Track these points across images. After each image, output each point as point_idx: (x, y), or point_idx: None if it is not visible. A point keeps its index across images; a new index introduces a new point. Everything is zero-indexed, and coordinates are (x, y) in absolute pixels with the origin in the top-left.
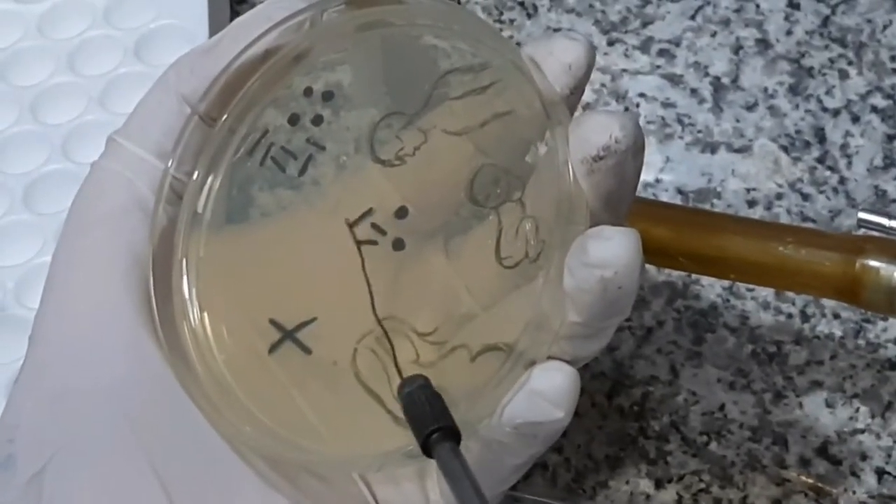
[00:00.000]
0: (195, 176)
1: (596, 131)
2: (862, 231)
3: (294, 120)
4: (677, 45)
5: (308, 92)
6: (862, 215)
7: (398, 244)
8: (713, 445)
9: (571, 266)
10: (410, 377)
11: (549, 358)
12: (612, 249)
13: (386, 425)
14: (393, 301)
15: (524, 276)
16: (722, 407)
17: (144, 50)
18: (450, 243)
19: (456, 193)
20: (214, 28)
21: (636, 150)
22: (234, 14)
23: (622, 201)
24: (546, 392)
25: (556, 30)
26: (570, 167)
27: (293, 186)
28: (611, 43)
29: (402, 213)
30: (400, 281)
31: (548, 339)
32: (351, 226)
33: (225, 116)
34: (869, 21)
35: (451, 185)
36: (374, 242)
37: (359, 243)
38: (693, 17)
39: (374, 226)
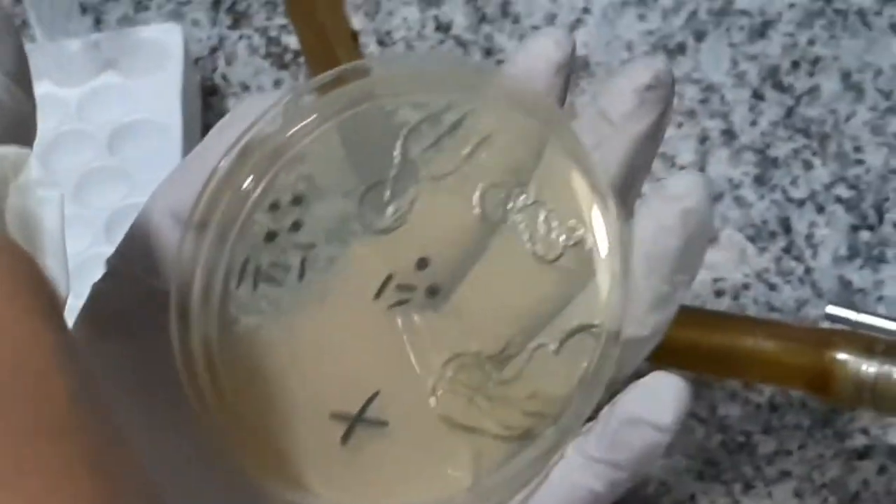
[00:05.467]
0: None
1: (648, 65)
2: (829, 325)
3: (272, 236)
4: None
5: (275, 206)
6: (829, 310)
7: (432, 291)
8: None
9: (650, 207)
10: None
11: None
12: (689, 180)
13: (498, 449)
14: (453, 341)
15: (573, 262)
16: (692, 497)
17: (117, 144)
18: (483, 266)
19: (469, 224)
20: (188, 121)
21: (674, 89)
22: (206, 105)
23: (656, 144)
24: (662, 390)
25: None
26: (581, 146)
27: (298, 292)
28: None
29: (422, 264)
30: (450, 320)
31: (625, 307)
32: (377, 296)
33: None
34: (832, 112)
35: (459, 219)
36: (405, 301)
37: (391, 306)
38: None
39: (399, 287)
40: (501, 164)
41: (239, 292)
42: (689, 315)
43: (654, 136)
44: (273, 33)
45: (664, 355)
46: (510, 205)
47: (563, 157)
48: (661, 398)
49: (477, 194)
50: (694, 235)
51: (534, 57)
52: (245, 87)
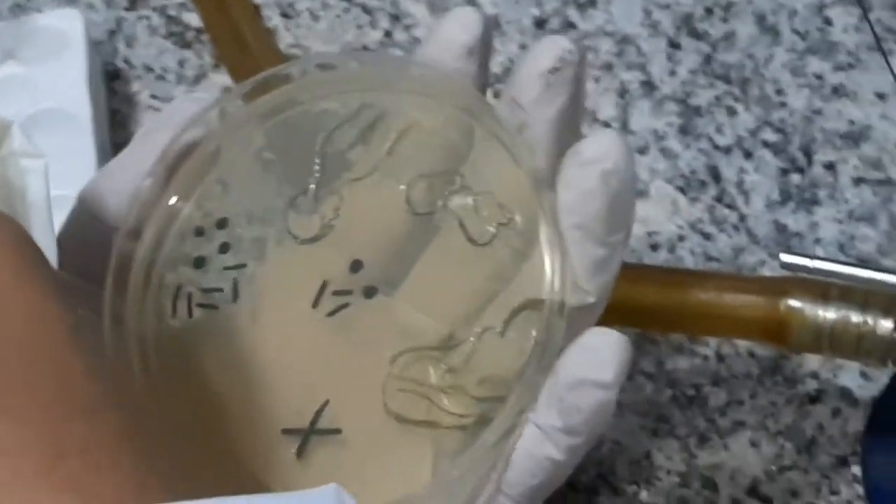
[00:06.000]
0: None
1: (549, 48)
2: (782, 273)
3: (200, 262)
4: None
5: (200, 232)
6: (784, 258)
7: (369, 292)
8: (643, 494)
9: (567, 176)
10: None
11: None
12: (604, 142)
13: (455, 439)
14: (397, 339)
15: (507, 242)
16: (648, 454)
17: (26, 135)
18: (421, 259)
19: (398, 219)
20: (96, 108)
21: (584, 65)
22: (110, 90)
23: (576, 118)
24: (597, 349)
25: None
26: (507, 126)
27: (235, 313)
28: (495, 95)
29: (356, 266)
30: (391, 318)
31: (564, 277)
32: (315, 305)
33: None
34: (750, 56)
35: (387, 217)
36: (344, 306)
37: (330, 314)
38: None
39: (336, 293)
40: (425, 156)
41: (174, 322)
42: (635, 271)
43: (571, 113)
44: (172, 12)
45: (612, 315)
46: (438, 194)
47: (487, 139)
48: (600, 356)
49: (402, 188)
50: (618, 194)
51: (442, 43)
52: (149, 70)
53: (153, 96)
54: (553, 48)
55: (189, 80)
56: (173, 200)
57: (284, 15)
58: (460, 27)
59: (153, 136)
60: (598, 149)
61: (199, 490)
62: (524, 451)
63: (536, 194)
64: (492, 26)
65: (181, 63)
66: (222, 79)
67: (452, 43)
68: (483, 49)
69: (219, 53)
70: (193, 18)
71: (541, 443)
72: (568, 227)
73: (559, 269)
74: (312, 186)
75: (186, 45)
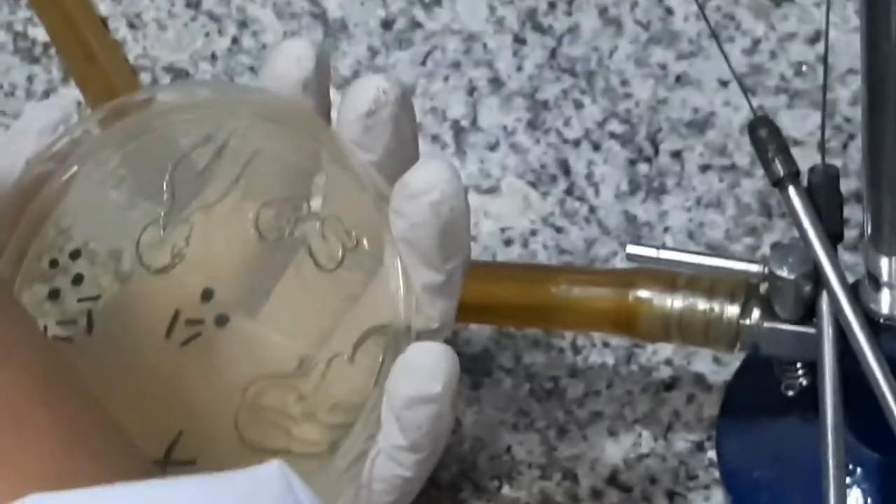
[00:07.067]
0: None
1: (364, 89)
2: (632, 264)
3: (55, 294)
4: (412, 93)
5: (54, 264)
6: (631, 249)
7: (221, 320)
8: (505, 489)
9: (398, 207)
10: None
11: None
12: (430, 172)
13: (308, 467)
14: (249, 366)
15: (353, 267)
16: (508, 449)
17: None
18: (274, 286)
19: (247, 248)
20: None
21: (405, 100)
22: None
23: (406, 151)
24: (422, 364)
25: None
26: (348, 151)
27: (89, 346)
28: None
29: (207, 295)
30: (243, 346)
31: (409, 301)
32: (168, 335)
33: None
34: (595, 49)
35: (237, 245)
36: (197, 335)
37: (184, 343)
38: (423, 63)
39: (188, 322)
40: (273, 182)
41: None
42: (488, 269)
43: (399, 147)
44: (19, 27)
45: (469, 312)
46: (287, 221)
47: (334, 166)
48: (425, 370)
49: (251, 216)
50: (449, 223)
51: (278, 79)
52: None
53: (1, 112)
54: (367, 90)
55: (38, 96)
56: (25, 230)
57: (131, 26)
58: (294, 62)
59: (11, 148)
60: (424, 180)
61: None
62: (376, 474)
63: (380, 218)
64: (327, 55)
65: (30, 78)
66: (72, 93)
67: (286, 79)
68: (319, 79)
69: (67, 67)
70: (40, 33)
71: (389, 464)
72: (405, 255)
73: (403, 293)
74: (162, 214)
75: (34, 60)
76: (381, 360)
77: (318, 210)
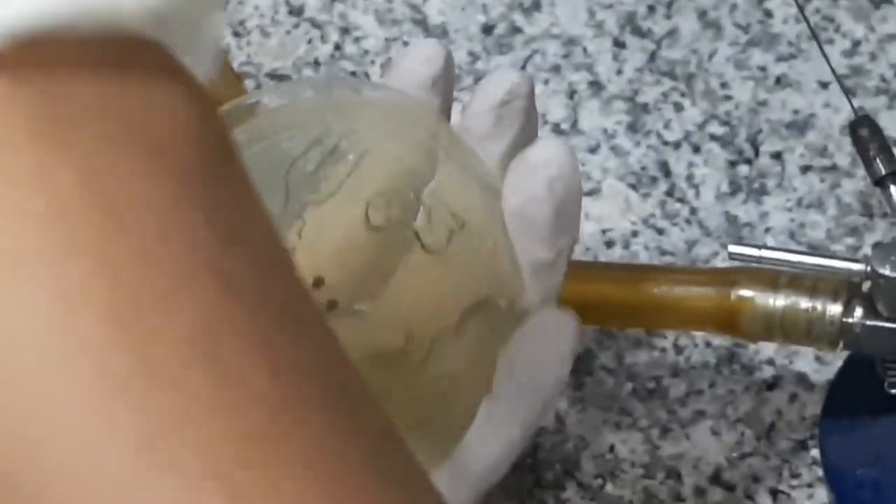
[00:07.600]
0: None
1: (498, 82)
2: (733, 263)
3: None
4: None
5: None
6: (733, 248)
7: (330, 306)
8: (609, 487)
9: (515, 181)
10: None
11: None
12: (549, 149)
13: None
14: (357, 350)
15: (460, 246)
16: (612, 448)
17: None
18: (382, 271)
19: (356, 236)
20: None
21: (533, 96)
22: None
23: (532, 132)
24: (548, 329)
25: None
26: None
27: None
28: None
29: (318, 283)
30: (353, 329)
31: (515, 278)
32: None
33: None
34: (694, 51)
35: (346, 235)
36: None
37: None
38: (523, 67)
39: None
40: (385, 175)
41: None
42: (589, 270)
43: (524, 143)
44: None
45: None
46: (395, 208)
47: (447, 161)
48: (551, 334)
49: (361, 207)
50: (564, 200)
51: (408, 75)
52: None
53: None
54: (502, 82)
55: None
56: None
57: (235, 34)
58: (424, 60)
59: None
60: (543, 155)
61: None
62: (480, 439)
63: (487, 201)
64: (452, 57)
65: None
66: None
67: (415, 77)
68: (445, 79)
69: None
70: None
71: (499, 425)
72: (515, 231)
73: (508, 269)
74: (279, 213)
75: None
76: (486, 334)
77: (423, 196)
